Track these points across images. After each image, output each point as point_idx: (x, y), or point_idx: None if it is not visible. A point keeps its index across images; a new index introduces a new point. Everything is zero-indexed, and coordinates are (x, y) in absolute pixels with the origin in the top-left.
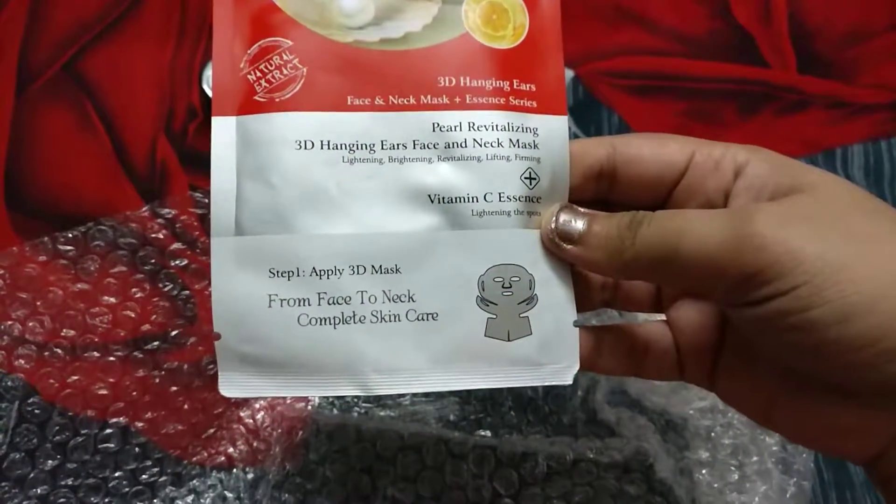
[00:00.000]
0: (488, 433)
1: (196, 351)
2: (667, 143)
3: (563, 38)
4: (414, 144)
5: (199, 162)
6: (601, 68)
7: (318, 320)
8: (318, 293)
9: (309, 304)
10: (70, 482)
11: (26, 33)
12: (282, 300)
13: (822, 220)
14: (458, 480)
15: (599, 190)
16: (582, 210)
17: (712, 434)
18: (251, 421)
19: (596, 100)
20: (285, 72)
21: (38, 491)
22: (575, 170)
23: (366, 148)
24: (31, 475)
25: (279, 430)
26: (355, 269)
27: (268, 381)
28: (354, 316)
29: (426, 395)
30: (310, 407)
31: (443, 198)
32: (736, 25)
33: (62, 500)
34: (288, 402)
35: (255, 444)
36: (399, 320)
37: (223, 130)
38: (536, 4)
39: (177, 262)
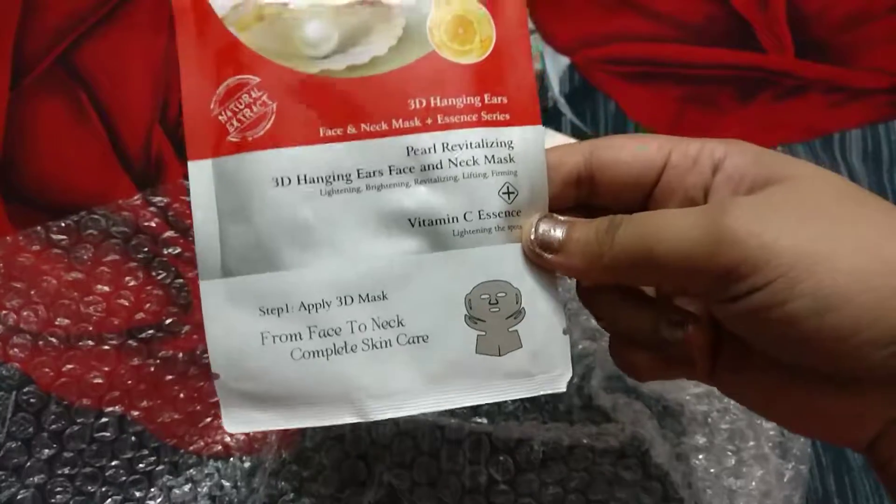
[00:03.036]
0: (484, 420)
1: (191, 339)
2: (644, 142)
3: (558, 25)
4: (390, 170)
5: None
6: (597, 55)
7: (311, 353)
8: (309, 326)
9: (301, 339)
10: (67, 471)
11: (21, 24)
12: (274, 336)
13: (799, 211)
14: (453, 466)
15: (580, 196)
16: (561, 218)
17: (709, 419)
18: None
19: (592, 87)
20: (255, 109)
21: (35, 480)
22: (553, 178)
23: (342, 178)
24: (28, 464)
25: None
26: (343, 300)
27: (269, 414)
28: (346, 346)
29: None
30: None
31: (423, 220)
32: (733, 11)
33: (59, 489)
34: None
35: (251, 432)
36: (390, 345)
37: (200, 174)
38: (501, 13)
39: (170, 250)
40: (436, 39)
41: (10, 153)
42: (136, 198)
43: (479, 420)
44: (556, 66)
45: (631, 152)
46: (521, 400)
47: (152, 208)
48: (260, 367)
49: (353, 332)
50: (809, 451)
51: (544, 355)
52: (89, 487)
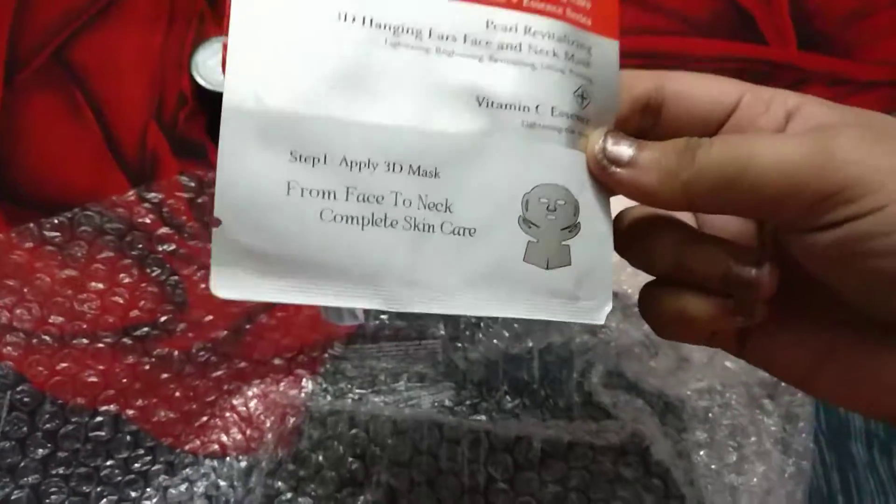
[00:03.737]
0: (483, 417)
1: (186, 338)
2: (718, 81)
3: None
4: (465, 39)
5: (190, 149)
6: None
7: (344, 218)
8: (347, 187)
9: (335, 198)
10: (61, 471)
11: (15, 21)
12: (303, 189)
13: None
14: (452, 465)
15: (644, 124)
16: (630, 137)
17: (710, 415)
18: (244, 409)
19: None
20: None
21: (30, 480)
22: (623, 99)
23: (412, 33)
24: (22, 464)
25: (272, 418)
26: (391, 167)
27: (272, 282)
28: (385, 219)
29: (420, 379)
30: (303, 394)
31: (492, 102)
32: (735, 3)
33: (54, 489)
34: (281, 389)
35: (248, 431)
36: (433, 231)
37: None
38: None
39: (164, 246)
40: None
41: (3, 150)
42: (129, 194)
43: (477, 418)
44: None
45: (704, 86)
46: (521, 396)
47: (146, 205)
48: (278, 221)
49: (395, 204)
50: (812, 447)
51: (590, 280)
52: (84, 487)
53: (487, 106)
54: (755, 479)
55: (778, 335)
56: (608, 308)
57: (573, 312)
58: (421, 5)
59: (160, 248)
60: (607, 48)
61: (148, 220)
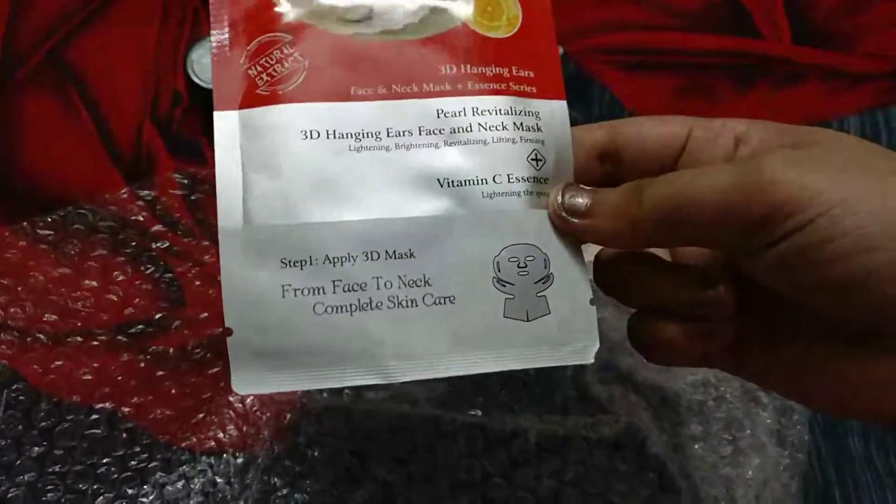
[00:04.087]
0: (478, 413)
1: (182, 335)
2: (665, 121)
3: (553, 14)
4: (420, 131)
5: (185, 147)
6: (592, 44)
7: (335, 308)
8: (333, 281)
9: (324, 293)
10: (58, 469)
11: (10, 20)
12: (295, 290)
13: (833, 163)
14: (448, 460)
15: (605, 172)
16: (586, 187)
17: (705, 408)
18: (240, 405)
19: (587, 76)
20: (287, 65)
21: (26, 478)
22: (578, 152)
23: (372, 136)
24: (18, 462)
25: (268, 414)
26: (369, 255)
27: (284, 374)
28: (371, 302)
29: None
30: (299, 390)
31: (452, 181)
32: None
33: (50, 487)
34: None
35: (244, 428)
36: (416, 305)
37: (226, 124)
38: None
39: (158, 244)
40: (465, 14)
41: None
42: (123, 191)
43: (473, 413)
44: None
45: (653, 127)
46: (516, 391)
47: (140, 202)
48: (279, 322)
49: (378, 288)
50: (807, 439)
51: (572, 324)
52: (81, 485)
53: (449, 186)
54: (750, 472)
55: (766, 351)
56: (595, 347)
57: (561, 357)
58: (375, 110)
59: (154, 246)
60: (555, 109)
61: (141, 218)
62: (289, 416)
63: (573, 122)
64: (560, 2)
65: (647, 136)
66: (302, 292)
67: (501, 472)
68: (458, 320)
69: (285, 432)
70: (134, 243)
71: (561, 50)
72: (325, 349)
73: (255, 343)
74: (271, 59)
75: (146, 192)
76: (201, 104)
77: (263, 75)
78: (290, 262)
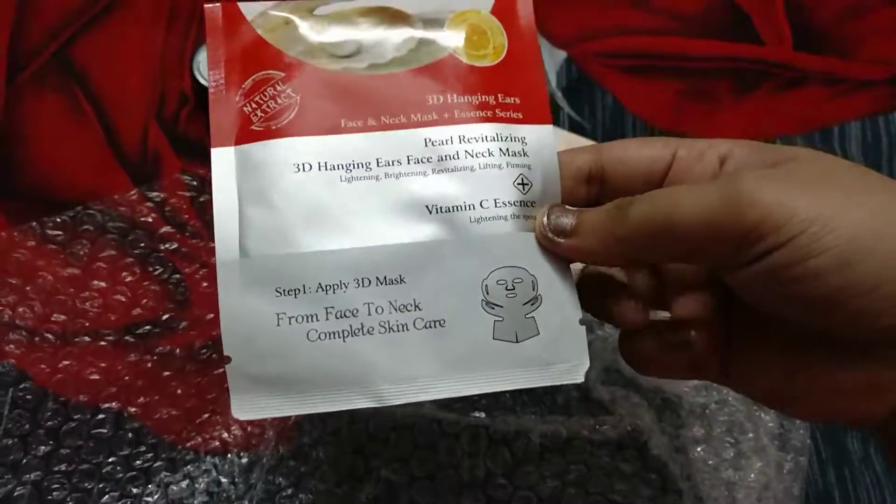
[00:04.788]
0: (482, 414)
1: (188, 335)
2: (649, 143)
3: (555, 18)
4: (408, 160)
5: (191, 148)
6: (594, 49)
7: (327, 334)
8: (326, 308)
9: (317, 320)
10: (64, 468)
11: (17, 21)
12: (290, 318)
13: (812, 181)
14: (451, 460)
15: (591, 193)
16: (571, 207)
17: (707, 411)
18: None
19: (590, 80)
20: (280, 101)
21: (32, 477)
22: (565, 175)
23: (362, 166)
24: (25, 461)
25: None
26: (360, 282)
27: (281, 400)
28: (363, 328)
29: None
30: None
31: (440, 208)
32: (731, 2)
33: (56, 485)
34: None
35: (248, 428)
36: (407, 329)
37: (222, 160)
38: (513, 25)
39: (167, 245)
40: (452, 45)
41: (5, 149)
42: (132, 193)
43: (476, 414)
44: (553, 59)
45: (638, 149)
46: (519, 393)
47: (149, 203)
48: (274, 349)
49: (369, 314)
50: (809, 443)
51: (561, 344)
52: (86, 484)
53: (437, 212)
54: (752, 475)
55: (749, 366)
56: (585, 366)
57: (550, 376)
58: (365, 140)
59: (162, 247)
60: (542, 133)
61: (150, 219)
62: (293, 416)
63: (579, 128)
64: (563, 7)
65: (632, 158)
66: (296, 320)
67: (504, 471)
68: (448, 343)
69: (290, 432)
70: (142, 244)
71: (564, 54)
72: (319, 375)
73: (253, 370)
74: (265, 96)
75: (155, 193)
76: (207, 105)
77: (258, 111)
78: (284, 290)
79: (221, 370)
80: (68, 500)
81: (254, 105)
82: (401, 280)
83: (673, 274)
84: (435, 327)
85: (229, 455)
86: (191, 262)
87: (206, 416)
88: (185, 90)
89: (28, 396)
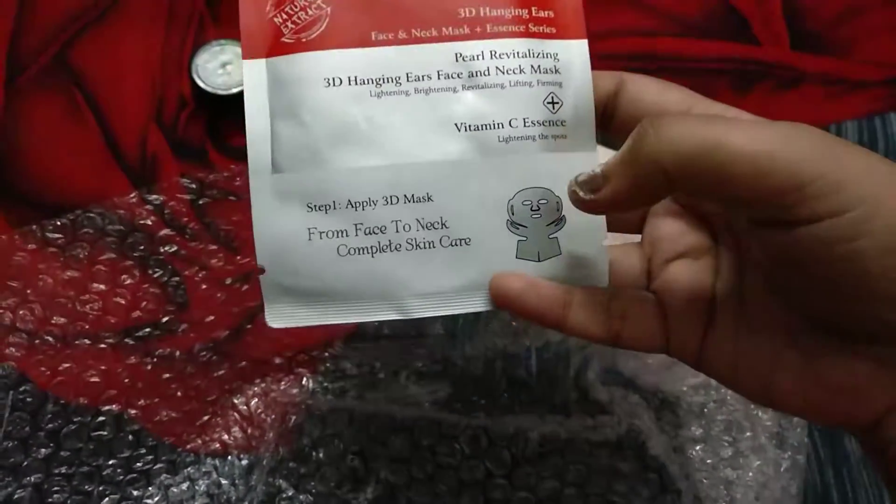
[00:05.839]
0: (481, 414)
1: (188, 338)
2: (669, 89)
3: None
4: (438, 75)
5: (190, 151)
6: (594, 50)
7: (357, 250)
8: (355, 224)
9: (347, 236)
10: (64, 470)
11: (16, 23)
12: (321, 233)
13: (862, 155)
14: (450, 461)
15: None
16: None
17: (705, 410)
18: (245, 407)
19: None
20: (310, 12)
21: (32, 479)
22: None
23: (392, 81)
24: (25, 463)
25: (273, 416)
26: (389, 200)
27: (311, 310)
28: (391, 244)
29: (419, 377)
30: (303, 392)
31: (469, 126)
32: (728, 4)
33: (56, 488)
34: (282, 387)
35: (249, 430)
36: (433, 247)
37: (254, 73)
38: None
39: (166, 248)
40: None
41: (4, 152)
42: (131, 196)
43: (475, 414)
44: None
45: (658, 92)
46: (518, 393)
47: (148, 206)
48: (306, 263)
49: (397, 231)
50: (807, 441)
51: (583, 264)
52: (86, 486)
53: (466, 130)
54: (750, 474)
55: (731, 350)
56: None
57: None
58: (395, 54)
59: (162, 250)
60: (575, 49)
61: (150, 222)
62: (293, 418)
63: None
64: None
65: (648, 101)
66: (326, 235)
67: (503, 472)
68: (473, 261)
69: (290, 434)
70: (142, 247)
71: None
72: (348, 288)
73: (286, 282)
74: (296, 6)
75: (154, 196)
76: (206, 108)
77: (289, 23)
78: (315, 206)
79: (221, 372)
80: (69, 502)
81: (284, 16)
82: (428, 198)
83: (666, 243)
84: (460, 245)
85: (229, 457)
86: (190, 265)
87: (207, 418)
88: (183, 94)
89: (28, 399)
